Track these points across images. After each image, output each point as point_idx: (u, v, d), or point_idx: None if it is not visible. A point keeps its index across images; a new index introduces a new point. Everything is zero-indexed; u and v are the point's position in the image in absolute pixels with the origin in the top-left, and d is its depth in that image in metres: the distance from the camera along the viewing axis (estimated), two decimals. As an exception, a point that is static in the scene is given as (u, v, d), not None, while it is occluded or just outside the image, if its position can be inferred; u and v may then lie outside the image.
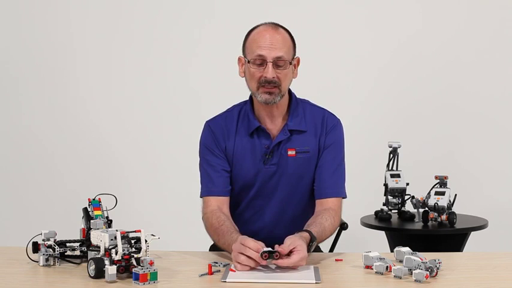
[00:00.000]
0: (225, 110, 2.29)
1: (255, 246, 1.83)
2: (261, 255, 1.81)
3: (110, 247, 1.74)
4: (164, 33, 4.21)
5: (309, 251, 1.95)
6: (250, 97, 2.23)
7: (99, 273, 1.74)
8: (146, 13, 4.21)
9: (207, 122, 2.28)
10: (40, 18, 4.23)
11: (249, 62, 2.11)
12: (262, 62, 2.09)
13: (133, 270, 1.71)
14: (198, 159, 2.27)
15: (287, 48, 2.12)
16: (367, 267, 1.88)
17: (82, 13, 4.22)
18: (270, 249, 1.83)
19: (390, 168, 3.39)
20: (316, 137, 2.20)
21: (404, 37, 4.17)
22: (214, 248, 2.28)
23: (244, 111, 2.23)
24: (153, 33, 4.21)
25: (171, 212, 4.12)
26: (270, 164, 2.18)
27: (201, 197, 2.23)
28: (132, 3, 4.22)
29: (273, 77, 2.08)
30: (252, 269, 1.84)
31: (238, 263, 1.84)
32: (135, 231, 1.78)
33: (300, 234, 1.95)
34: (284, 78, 2.11)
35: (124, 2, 4.23)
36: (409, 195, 3.33)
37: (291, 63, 2.13)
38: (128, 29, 4.22)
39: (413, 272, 1.73)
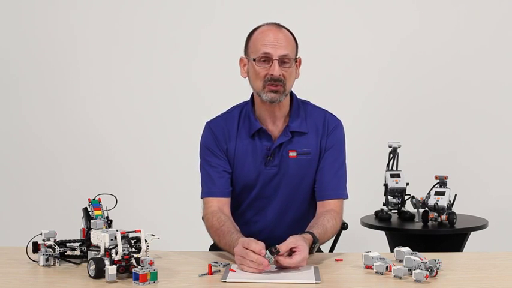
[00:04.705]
0: (225, 110, 2.29)
1: (257, 248, 1.82)
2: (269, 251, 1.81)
3: (110, 247, 1.74)
4: (166, 33, 4.21)
5: (311, 252, 1.95)
6: (251, 98, 2.23)
7: (99, 273, 1.74)
8: (148, 13, 4.21)
9: (207, 123, 2.27)
10: (41, 17, 4.23)
11: (254, 60, 2.11)
12: (267, 60, 2.09)
13: (133, 270, 1.71)
14: (199, 159, 2.27)
15: (291, 47, 2.13)
16: (367, 267, 1.88)
17: (83, 13, 4.21)
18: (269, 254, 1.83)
19: (390, 168, 3.40)
20: (318, 139, 2.20)
21: (403, 37, 4.17)
22: (214, 248, 2.28)
23: (245, 112, 2.22)
24: (155, 33, 4.21)
25: (171, 212, 4.12)
26: (271, 166, 2.18)
27: (201, 197, 2.23)
28: (134, 3, 4.22)
29: (279, 75, 2.09)
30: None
31: (243, 265, 1.84)
32: (135, 231, 1.78)
33: (302, 236, 1.95)
34: (289, 76, 2.12)
35: (126, 1, 4.23)
36: (409, 195, 3.33)
37: (295, 61, 2.14)
38: (129, 29, 4.22)
39: (413, 272, 1.73)
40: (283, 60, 2.09)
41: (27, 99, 4.25)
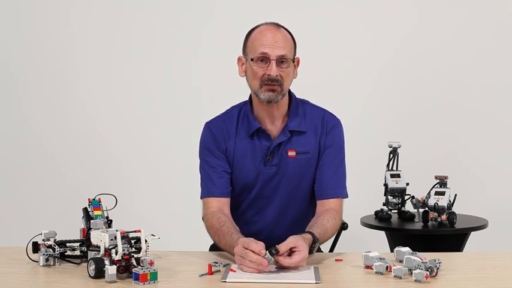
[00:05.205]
0: (224, 111, 2.29)
1: (257, 248, 1.82)
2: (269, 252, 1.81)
3: (110, 247, 1.74)
4: (165, 33, 4.21)
5: (311, 252, 1.95)
6: (250, 98, 2.23)
7: (99, 273, 1.74)
8: (148, 13, 4.21)
9: (206, 123, 2.27)
10: (41, 17, 4.23)
11: (252, 60, 2.11)
12: (265, 60, 2.09)
13: (133, 270, 1.71)
14: (198, 160, 2.27)
15: (289, 47, 2.13)
16: (367, 267, 1.88)
17: (83, 13, 4.22)
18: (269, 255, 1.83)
19: (390, 168, 3.40)
20: (316, 138, 2.20)
21: (403, 37, 4.17)
22: (214, 248, 2.28)
23: (243, 112, 2.22)
24: (155, 33, 4.21)
25: (171, 212, 4.12)
26: (270, 165, 2.18)
27: (201, 198, 2.23)
28: (134, 3, 4.22)
29: (277, 75, 2.08)
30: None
31: (243, 265, 1.84)
32: (135, 231, 1.78)
33: (302, 236, 1.95)
34: (286, 77, 2.12)
35: (125, 2, 4.23)
36: (409, 195, 3.33)
37: (293, 61, 2.13)
38: (129, 29, 4.22)
39: (413, 272, 1.73)
40: (280, 61, 2.09)
41: (27, 99, 4.25)
